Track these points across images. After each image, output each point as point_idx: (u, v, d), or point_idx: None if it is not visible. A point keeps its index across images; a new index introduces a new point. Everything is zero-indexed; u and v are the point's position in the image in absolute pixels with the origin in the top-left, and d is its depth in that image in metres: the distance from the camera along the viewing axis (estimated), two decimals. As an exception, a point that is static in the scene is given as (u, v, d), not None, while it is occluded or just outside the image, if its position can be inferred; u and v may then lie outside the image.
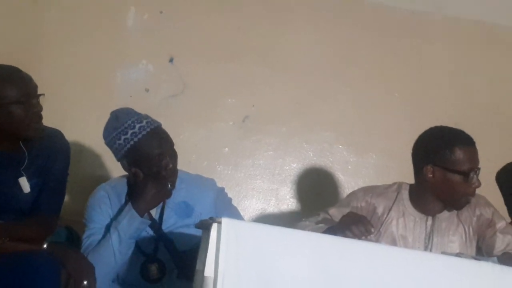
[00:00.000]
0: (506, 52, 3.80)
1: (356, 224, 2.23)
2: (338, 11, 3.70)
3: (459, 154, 2.43)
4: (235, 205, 2.79)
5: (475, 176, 2.42)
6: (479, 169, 2.44)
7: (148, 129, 2.54)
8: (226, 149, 3.59)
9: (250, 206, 3.58)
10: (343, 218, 2.34)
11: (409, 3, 3.75)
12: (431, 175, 2.46)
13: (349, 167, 3.64)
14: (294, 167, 3.63)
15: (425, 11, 3.78)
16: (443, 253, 2.40)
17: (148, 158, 2.52)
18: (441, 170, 2.44)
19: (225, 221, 1.90)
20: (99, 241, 2.50)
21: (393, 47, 3.72)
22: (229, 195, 2.77)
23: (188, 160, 3.35)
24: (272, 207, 3.60)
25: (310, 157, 3.64)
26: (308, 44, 3.68)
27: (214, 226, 1.90)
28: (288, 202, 3.61)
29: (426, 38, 3.77)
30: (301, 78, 3.65)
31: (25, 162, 2.52)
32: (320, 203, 3.29)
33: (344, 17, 3.70)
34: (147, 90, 3.53)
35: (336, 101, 3.68)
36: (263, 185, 3.60)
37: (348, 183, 3.61)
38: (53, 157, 2.58)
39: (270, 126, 3.62)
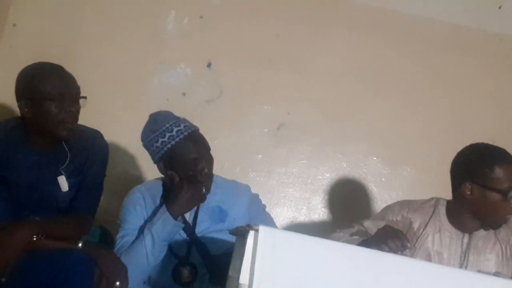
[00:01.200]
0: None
1: (392, 238, 2.22)
2: (375, 21, 3.69)
3: (499, 172, 2.40)
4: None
5: (513, 195, 2.40)
6: (518, 189, 2.42)
7: (186, 133, 2.56)
8: (260, 156, 3.59)
9: (281, 214, 3.57)
10: (379, 232, 2.33)
11: (448, 16, 3.72)
12: (469, 192, 2.44)
13: (383, 179, 3.62)
14: (327, 177, 3.62)
15: (465, 25, 3.74)
16: (479, 271, 2.37)
17: (184, 162, 2.53)
18: (480, 188, 2.42)
19: (262, 229, 1.89)
20: (133, 242, 2.51)
21: (429, 59, 3.70)
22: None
23: (221, 165, 3.36)
24: (303, 216, 3.59)
25: (343, 168, 3.62)
26: (344, 53, 3.67)
27: (251, 233, 1.89)
28: (319, 211, 3.59)
29: (464, 52, 3.74)
30: (336, 87, 3.64)
31: (66, 161, 2.55)
32: (351, 215, 3.28)
33: (380, 27, 3.68)
34: (184, 94, 3.55)
35: (371, 112, 3.66)
36: (295, 193, 3.59)
37: (381, 195, 3.58)
38: (92, 157, 2.61)
39: (304, 135, 3.61)
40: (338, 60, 3.65)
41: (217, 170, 2.72)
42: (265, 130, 3.60)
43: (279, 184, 3.59)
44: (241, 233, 1.99)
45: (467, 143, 2.56)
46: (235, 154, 3.54)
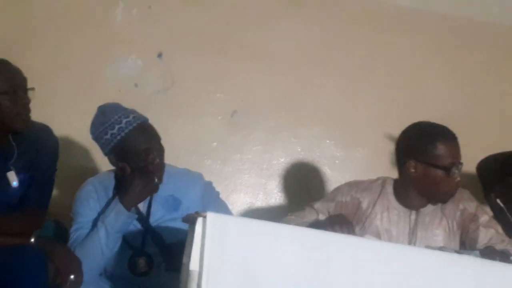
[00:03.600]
0: (492, 48, 3.83)
1: (341, 225, 2.27)
2: (323, 3, 3.72)
3: (440, 149, 2.45)
4: (223, 199, 2.81)
5: (457, 171, 2.45)
6: (461, 164, 2.47)
7: (135, 124, 2.56)
8: (215, 143, 3.61)
9: (238, 200, 3.60)
10: (332, 217, 2.38)
11: (396, -2, 3.78)
12: (413, 170, 2.49)
13: (337, 161, 3.67)
14: (282, 161, 3.65)
15: (414, 7, 3.80)
16: (427, 247, 2.43)
17: (135, 153, 2.54)
18: (423, 165, 2.47)
19: (210, 215, 1.92)
20: (87, 235, 2.51)
21: (380, 40, 3.74)
22: (217, 189, 2.79)
23: (177, 154, 3.37)
24: (260, 202, 3.62)
25: (298, 152, 3.66)
26: (296, 38, 3.69)
27: (199, 220, 1.92)
28: (276, 196, 3.63)
29: (414, 34, 3.79)
30: (288, 72, 3.67)
31: (14, 156, 2.53)
32: (307, 198, 3.29)
33: (329, 9, 3.71)
34: (136, 85, 3.54)
35: (324, 95, 3.70)
36: (251, 179, 3.62)
37: (335, 178, 3.63)
38: (41, 152, 2.59)
39: (258, 121, 3.64)
40: (289, 44, 3.68)
41: (172, 159, 2.73)
42: (219, 118, 3.61)
43: (235, 171, 3.61)
44: (191, 221, 2.01)
45: (419, 124, 2.60)
46: (190, 143, 3.56)
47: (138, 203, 2.55)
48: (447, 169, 2.45)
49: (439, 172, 2.46)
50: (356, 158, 3.66)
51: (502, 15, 3.85)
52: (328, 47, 3.71)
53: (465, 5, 3.81)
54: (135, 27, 3.55)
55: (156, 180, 2.54)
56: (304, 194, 3.54)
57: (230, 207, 2.85)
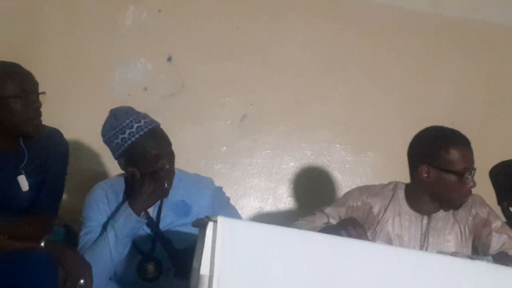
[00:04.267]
0: (503, 52, 3.81)
1: (354, 226, 2.25)
2: (333, 9, 3.71)
3: (453, 154, 2.44)
4: (233, 204, 2.80)
5: (470, 176, 2.43)
6: (474, 169, 2.45)
7: (146, 129, 2.55)
8: (224, 148, 3.60)
9: (248, 204, 3.59)
10: (343, 220, 2.36)
11: (404, 1, 3.76)
12: (426, 175, 2.47)
13: (347, 166, 3.65)
14: (291, 166, 3.64)
15: (422, 11, 3.78)
16: (439, 252, 2.41)
17: (145, 158, 2.53)
18: (436, 170, 2.45)
19: (220, 219, 1.91)
20: (96, 240, 2.50)
21: (389, 45, 3.73)
22: (227, 194, 2.78)
23: (186, 159, 3.36)
24: (269, 206, 3.61)
25: (307, 156, 3.65)
26: (305, 42, 3.68)
27: (210, 224, 1.91)
28: (285, 200, 3.62)
29: (423, 37, 3.78)
30: (298, 77, 3.66)
31: (25, 161, 2.53)
32: (317, 202, 3.28)
33: (339, 15, 3.71)
34: (145, 89, 3.54)
35: (333, 99, 3.69)
36: (260, 184, 3.61)
37: (345, 182, 3.62)
38: (52, 156, 2.59)
39: (268, 125, 3.63)
40: (298, 49, 3.67)
41: (182, 164, 2.72)
42: (229, 122, 3.60)
43: (245, 175, 3.60)
44: (202, 225, 2.00)
45: (428, 128, 2.59)
46: (200, 147, 3.55)
47: (147, 208, 2.54)
48: (460, 175, 2.43)
49: (452, 178, 2.44)
50: (366, 162, 3.65)
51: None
52: (337, 52, 3.70)
53: (475, 8, 3.78)
54: (145, 31, 3.55)
55: (166, 185, 2.53)
56: (314, 199, 3.52)
57: (239, 211, 2.85)
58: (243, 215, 3.38)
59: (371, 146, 3.66)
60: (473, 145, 2.50)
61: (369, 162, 3.65)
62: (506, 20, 3.82)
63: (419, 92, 3.72)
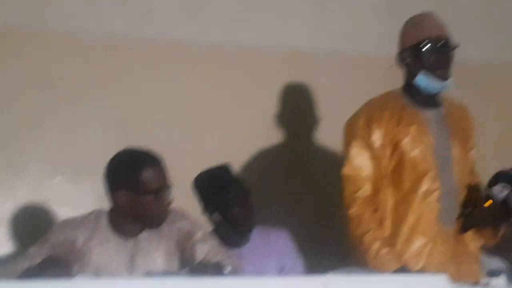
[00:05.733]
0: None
1: (53, 268, 2.20)
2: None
3: (145, 175, 2.48)
4: None
5: (165, 194, 2.50)
6: (168, 186, 2.53)
7: None
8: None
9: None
10: (42, 262, 2.28)
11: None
12: (123, 199, 2.49)
13: (67, 198, 3.54)
14: (7, 207, 3.44)
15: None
16: (149, 272, 2.41)
17: None
18: (132, 193, 2.48)
19: None
20: None
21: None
22: None
23: None
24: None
25: (23, 195, 3.48)
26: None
27: None
28: (5, 246, 3.41)
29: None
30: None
31: None
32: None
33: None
34: None
35: (45, 131, 3.56)
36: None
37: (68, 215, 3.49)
38: None
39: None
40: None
41: None
42: None
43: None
44: None
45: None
46: None
47: None
48: (155, 193, 2.48)
49: (149, 198, 2.48)
50: (85, 190, 3.54)
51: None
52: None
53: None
54: None
55: None
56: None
57: None
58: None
59: (87, 172, 3.53)
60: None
61: (88, 189, 3.53)
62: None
63: (127, 111, 3.70)
